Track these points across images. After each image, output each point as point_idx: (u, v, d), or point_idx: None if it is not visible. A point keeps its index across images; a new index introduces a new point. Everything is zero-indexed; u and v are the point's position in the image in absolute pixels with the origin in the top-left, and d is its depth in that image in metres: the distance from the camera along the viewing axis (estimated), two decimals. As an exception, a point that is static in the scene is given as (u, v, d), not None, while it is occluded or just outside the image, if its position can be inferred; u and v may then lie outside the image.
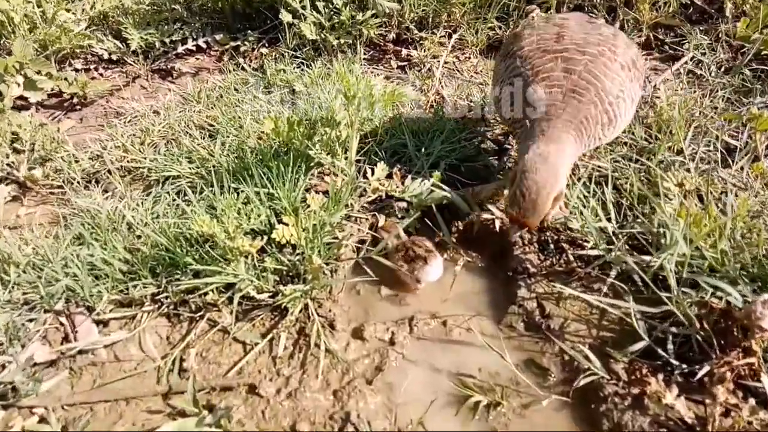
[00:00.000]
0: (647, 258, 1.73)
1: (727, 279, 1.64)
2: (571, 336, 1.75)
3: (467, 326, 1.83)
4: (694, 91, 2.85)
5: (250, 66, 3.41)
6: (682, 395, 1.49)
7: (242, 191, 1.98)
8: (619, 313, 1.67)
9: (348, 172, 2.03)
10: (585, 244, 2.00)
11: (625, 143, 2.52)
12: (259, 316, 1.79)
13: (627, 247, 1.91)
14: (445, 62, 3.40)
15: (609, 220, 1.98)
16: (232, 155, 2.35)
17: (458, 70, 3.39)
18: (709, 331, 1.56)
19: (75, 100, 3.25)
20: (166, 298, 1.81)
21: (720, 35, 3.26)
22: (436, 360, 1.74)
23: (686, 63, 3.08)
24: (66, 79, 3.16)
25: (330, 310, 1.81)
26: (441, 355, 1.75)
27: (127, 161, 2.53)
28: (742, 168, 2.26)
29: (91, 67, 3.56)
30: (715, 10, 3.48)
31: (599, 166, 2.35)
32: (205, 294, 1.76)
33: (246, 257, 1.80)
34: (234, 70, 3.37)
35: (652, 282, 1.74)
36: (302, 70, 3.17)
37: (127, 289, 1.82)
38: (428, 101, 3.01)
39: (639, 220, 2.01)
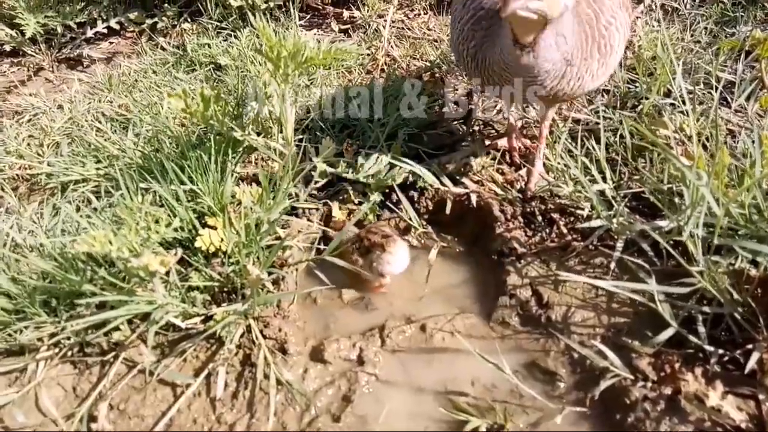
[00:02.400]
0: (662, 223, 1.41)
1: (760, 239, 1.33)
2: (578, 327, 1.43)
3: (451, 328, 1.49)
4: (672, 27, 2.54)
5: (170, 45, 2.95)
6: (728, 392, 1.19)
7: (155, 192, 1.57)
8: (634, 295, 1.36)
9: (286, 154, 1.65)
10: (578, 212, 1.68)
11: (606, 91, 2.20)
12: (189, 348, 1.41)
13: (628, 211, 1.60)
14: (393, 21, 3.01)
15: (604, 180, 1.66)
16: (147, 148, 1.93)
17: (408, 28, 3.00)
18: (748, 305, 1.26)
19: (-37, 103, 2.75)
20: (68, 339, 1.41)
21: (689, -36, 2.95)
22: (418, 377, 1.39)
23: (659, -4, 2.76)
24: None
25: (280, 330, 1.44)
26: (423, 371, 1.41)
27: (20, 168, 2.08)
28: (742, 105, 1.97)
29: (-18, 62, 3.05)
30: (680, -63, 3.17)
31: (582, 120, 2.03)
32: (115, 330, 1.37)
33: (167, 275, 1.42)
34: (152, 50, 2.91)
35: (666, 252, 1.43)
36: (229, 42, 2.74)
37: (15, 332, 1.41)
38: (377, 65, 2.63)
39: (638, 177, 1.70)
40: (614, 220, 1.53)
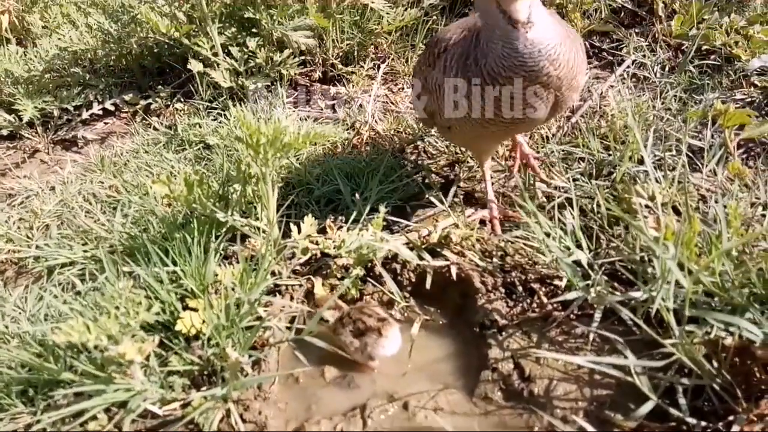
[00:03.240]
0: (635, 294, 1.43)
1: (733, 307, 1.35)
2: (560, 401, 1.41)
3: (434, 405, 1.48)
4: (643, 95, 2.65)
5: (162, 125, 3.05)
6: (712, 468, 1.17)
7: (138, 276, 1.60)
8: (615, 371, 1.35)
9: (268, 233, 1.68)
10: (558, 282, 1.70)
11: (582, 158, 2.27)
12: (167, 435, 1.39)
13: (606, 278, 1.62)
14: (378, 95, 3.14)
15: (580, 248, 1.68)
16: (133, 230, 1.97)
17: (392, 103, 3.12)
18: (725, 376, 1.26)
19: (-42, 186, 2.81)
20: (43, 430, 1.39)
21: (657, 36, 3.12)
22: (400, 458, 1.37)
23: (629, 66, 2.90)
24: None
25: (260, 413, 1.43)
26: (406, 451, 1.39)
27: (7, 252, 2.11)
28: (713, 171, 2.03)
29: (-21, 146, 3.14)
30: (646, 11, 3.36)
31: (559, 187, 2.08)
32: (92, 419, 1.35)
33: (146, 359, 1.42)
34: (145, 130, 3.01)
35: (644, 320, 1.44)
36: (218, 122, 2.84)
37: (-9, 425, 1.39)
38: (362, 139, 2.72)
39: (614, 245, 1.73)
40: (591, 290, 1.54)
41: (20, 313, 1.69)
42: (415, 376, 1.58)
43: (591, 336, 1.48)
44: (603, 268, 1.62)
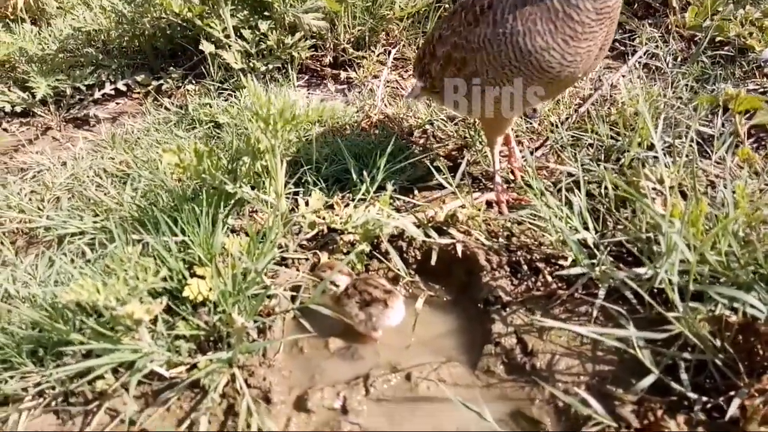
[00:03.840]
0: (640, 270, 1.43)
1: (738, 285, 1.35)
2: (562, 375, 1.42)
3: (437, 377, 1.49)
4: (654, 84, 2.64)
5: (173, 105, 3.08)
6: (712, 440, 1.18)
7: (147, 243, 1.61)
8: (617, 343, 1.36)
9: (276, 207, 1.69)
10: (562, 262, 1.70)
11: (591, 144, 2.27)
12: (173, 398, 1.41)
13: (611, 259, 1.62)
14: (388, 81, 3.15)
15: (587, 229, 1.69)
16: (144, 202, 1.99)
17: (402, 88, 3.13)
18: (729, 352, 1.26)
19: (-29, 160, 2.85)
20: (53, 388, 1.42)
21: (670, 27, 3.10)
22: (402, 426, 1.38)
23: (641, 57, 2.88)
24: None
25: (264, 378, 1.45)
26: (408, 420, 1.40)
27: (19, 222, 2.14)
28: (722, 157, 2.02)
29: (-7, 122, 3.18)
30: (660, 3, 3.34)
31: (568, 172, 2.08)
32: (99, 378, 1.37)
33: (152, 321, 1.44)
34: (156, 110, 3.03)
35: (650, 298, 1.45)
36: (229, 102, 2.86)
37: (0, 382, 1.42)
38: (371, 122, 2.73)
39: (621, 227, 1.73)
40: (596, 269, 1.55)
41: (31, 278, 1.71)
42: (419, 349, 1.59)
43: (594, 312, 1.48)
44: (608, 249, 1.62)
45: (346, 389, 1.45)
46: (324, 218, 1.82)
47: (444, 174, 2.07)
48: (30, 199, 2.28)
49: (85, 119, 3.22)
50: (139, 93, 3.39)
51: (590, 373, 1.41)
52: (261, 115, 1.51)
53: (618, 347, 1.41)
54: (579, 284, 1.58)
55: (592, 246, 1.63)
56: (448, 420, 1.39)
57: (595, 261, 1.57)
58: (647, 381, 1.27)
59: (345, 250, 1.82)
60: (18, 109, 3.13)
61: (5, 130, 3.14)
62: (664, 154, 1.92)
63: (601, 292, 1.51)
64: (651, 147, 2.11)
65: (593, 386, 1.37)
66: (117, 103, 3.39)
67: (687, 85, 2.61)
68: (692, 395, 1.27)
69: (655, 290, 1.45)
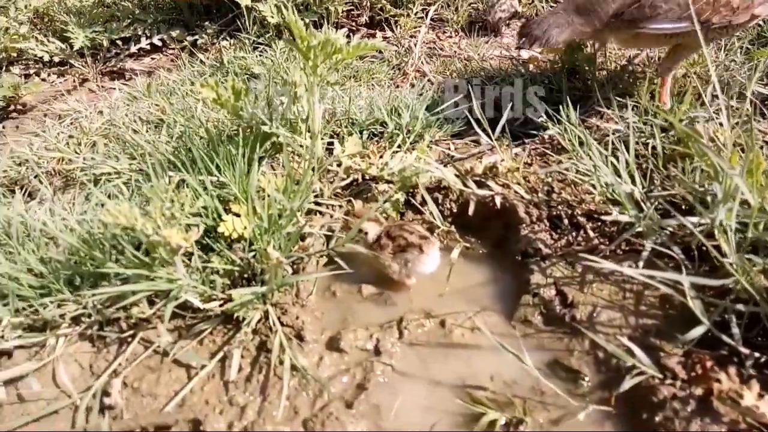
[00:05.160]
0: (693, 219, 1.36)
1: (799, 238, 1.27)
2: (604, 327, 1.37)
3: (471, 325, 1.45)
4: (709, 46, 2.51)
5: (208, 59, 3.06)
6: (765, 394, 1.12)
7: (183, 180, 1.60)
8: (666, 289, 1.29)
9: (312, 149, 1.66)
10: (605, 218, 1.63)
11: (637, 104, 2.17)
12: (206, 330, 1.41)
13: (657, 217, 1.55)
14: (425, 41, 3.07)
15: (633, 182, 1.62)
16: (179, 146, 1.98)
17: (440, 48, 3.05)
18: (786, 306, 1.19)
19: (12, 107, 2.89)
20: (89, 316, 1.42)
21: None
22: (435, 371, 1.36)
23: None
24: (-4, 82, 2.79)
25: (297, 318, 1.43)
26: (441, 364, 1.37)
27: (57, 163, 2.15)
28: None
29: (32, 72, 3.20)
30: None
31: (615, 130, 2.00)
32: (134, 305, 1.37)
33: (187, 256, 1.43)
34: (191, 64, 3.02)
35: (698, 252, 1.38)
36: (265, 56, 2.82)
37: (39, 308, 1.43)
38: (408, 79, 2.67)
39: (669, 183, 1.65)
40: (642, 222, 1.48)
41: (68, 213, 1.72)
42: (453, 297, 1.56)
43: (641, 264, 1.42)
44: (655, 205, 1.55)
45: (379, 331, 1.43)
46: (360, 165, 1.78)
47: (484, 127, 2.01)
48: (67, 144, 2.29)
49: (121, 72, 3.24)
50: (174, 48, 3.38)
51: (633, 326, 1.35)
52: (301, 49, 1.46)
53: (662, 301, 1.35)
54: (622, 239, 1.51)
55: (639, 199, 1.57)
56: (482, 367, 1.35)
57: (641, 214, 1.51)
58: (697, 331, 1.22)
59: (381, 199, 1.78)
60: (56, 59, 3.16)
61: (43, 80, 3.16)
62: (717, 114, 1.82)
63: (648, 244, 1.44)
64: (703, 104, 2.01)
65: (636, 338, 1.31)
66: (152, 58, 3.39)
67: (741, 47, 2.48)
68: (744, 350, 1.21)
69: (703, 248, 1.38)
